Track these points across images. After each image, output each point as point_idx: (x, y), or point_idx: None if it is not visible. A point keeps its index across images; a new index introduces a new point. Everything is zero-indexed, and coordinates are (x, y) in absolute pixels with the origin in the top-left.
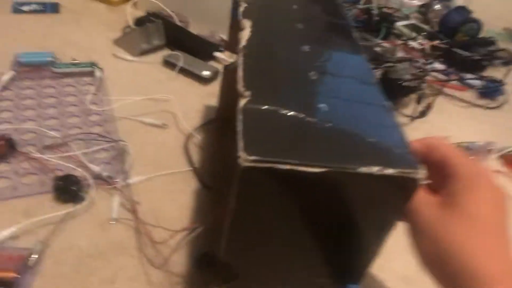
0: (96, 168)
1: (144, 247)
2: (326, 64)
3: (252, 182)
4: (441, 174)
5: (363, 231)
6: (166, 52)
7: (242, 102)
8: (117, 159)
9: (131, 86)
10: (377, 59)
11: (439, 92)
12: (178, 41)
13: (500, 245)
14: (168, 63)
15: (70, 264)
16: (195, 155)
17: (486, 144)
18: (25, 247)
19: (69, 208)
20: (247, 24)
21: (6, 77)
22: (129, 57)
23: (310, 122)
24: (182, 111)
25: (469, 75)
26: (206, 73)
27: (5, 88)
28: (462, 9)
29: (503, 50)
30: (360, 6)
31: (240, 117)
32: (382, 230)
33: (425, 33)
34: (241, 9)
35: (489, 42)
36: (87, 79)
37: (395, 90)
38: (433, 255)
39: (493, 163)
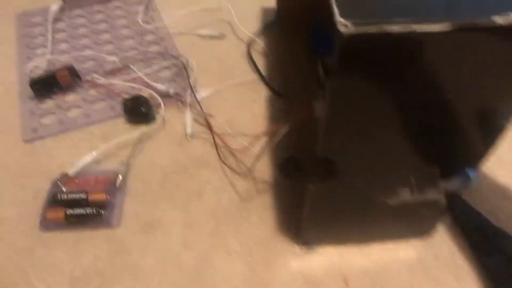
0: (161, 87)
1: (225, 158)
2: None
3: (357, 55)
4: None
5: (487, 107)
6: None
7: None
8: (181, 75)
9: None
10: None
11: None
12: None
13: None
14: None
15: (156, 182)
16: (260, 62)
17: None
18: (109, 169)
19: (143, 128)
20: None
21: (55, 7)
22: None
23: None
24: (238, 17)
25: None
26: None
27: (57, 19)
28: None
29: None
30: None
31: None
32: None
33: None
34: None
35: None
36: None
37: None
38: None
39: None
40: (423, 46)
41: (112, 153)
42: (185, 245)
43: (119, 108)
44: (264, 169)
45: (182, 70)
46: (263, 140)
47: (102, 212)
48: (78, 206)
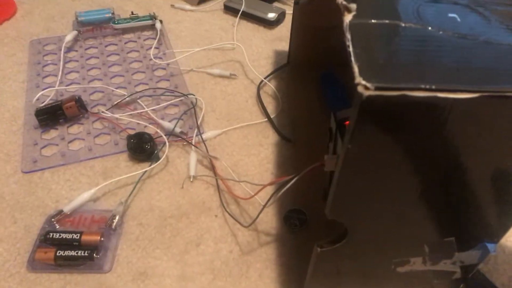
0: (168, 124)
1: (227, 205)
2: None
3: (374, 116)
4: None
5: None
6: None
7: (348, 17)
8: (188, 114)
9: (193, 37)
10: None
11: None
12: None
13: None
14: (229, 9)
15: (153, 226)
16: (269, 105)
17: None
18: (106, 209)
19: (145, 167)
20: None
21: (70, 37)
22: (188, 7)
23: (437, 35)
24: (249, 58)
25: None
26: (271, 15)
27: (69, 49)
28: None
29: None
30: None
31: (348, 36)
32: None
33: None
34: None
35: None
36: (147, 33)
37: None
38: None
39: None
40: (446, 111)
41: (111, 191)
42: None
43: (122, 144)
44: (268, 220)
45: (190, 109)
46: (269, 189)
47: (95, 255)
48: (70, 248)
